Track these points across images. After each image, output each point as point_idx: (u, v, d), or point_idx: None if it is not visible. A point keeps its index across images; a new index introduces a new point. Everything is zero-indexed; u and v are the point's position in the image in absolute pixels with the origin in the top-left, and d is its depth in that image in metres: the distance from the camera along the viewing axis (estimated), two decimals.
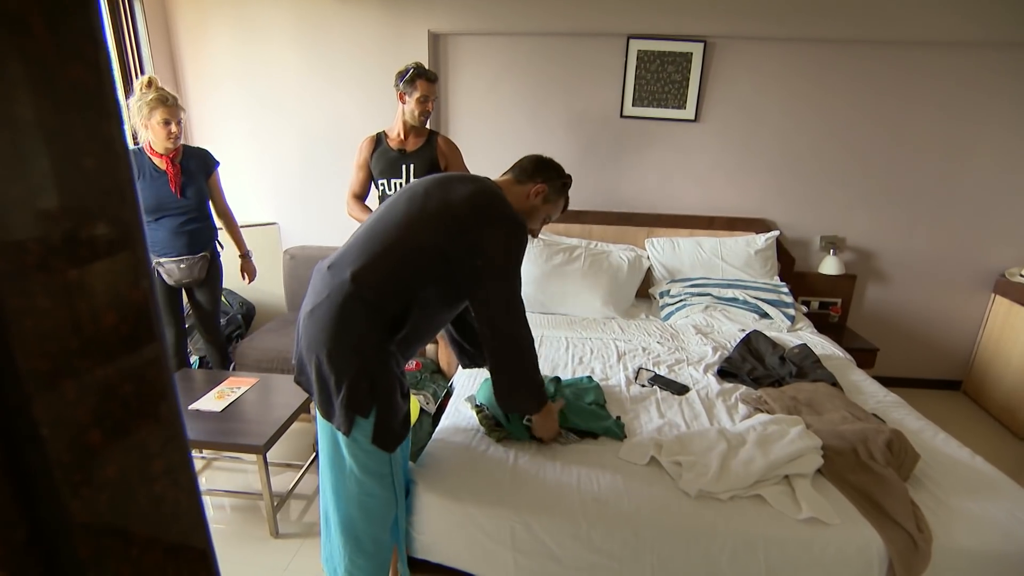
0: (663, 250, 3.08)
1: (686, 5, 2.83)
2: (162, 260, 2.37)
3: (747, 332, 2.44)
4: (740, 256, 2.98)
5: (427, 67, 2.41)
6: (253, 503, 2.21)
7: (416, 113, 2.38)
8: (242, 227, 3.26)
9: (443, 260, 1.32)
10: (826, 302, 3.23)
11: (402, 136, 2.46)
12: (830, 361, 2.29)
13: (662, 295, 2.93)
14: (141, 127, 2.22)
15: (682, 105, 3.01)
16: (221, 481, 2.37)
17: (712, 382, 2.07)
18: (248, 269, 2.71)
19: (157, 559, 0.42)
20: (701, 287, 2.87)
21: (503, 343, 1.40)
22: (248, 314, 3.30)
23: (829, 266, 3.10)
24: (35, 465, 0.32)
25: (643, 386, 2.04)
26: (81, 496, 0.35)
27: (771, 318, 2.69)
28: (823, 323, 3.14)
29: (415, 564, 1.52)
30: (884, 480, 1.46)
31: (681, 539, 1.36)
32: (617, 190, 3.22)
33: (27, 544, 0.34)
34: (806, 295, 3.21)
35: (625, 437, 1.68)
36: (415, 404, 2.36)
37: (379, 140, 2.50)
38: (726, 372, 2.15)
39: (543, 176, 1.54)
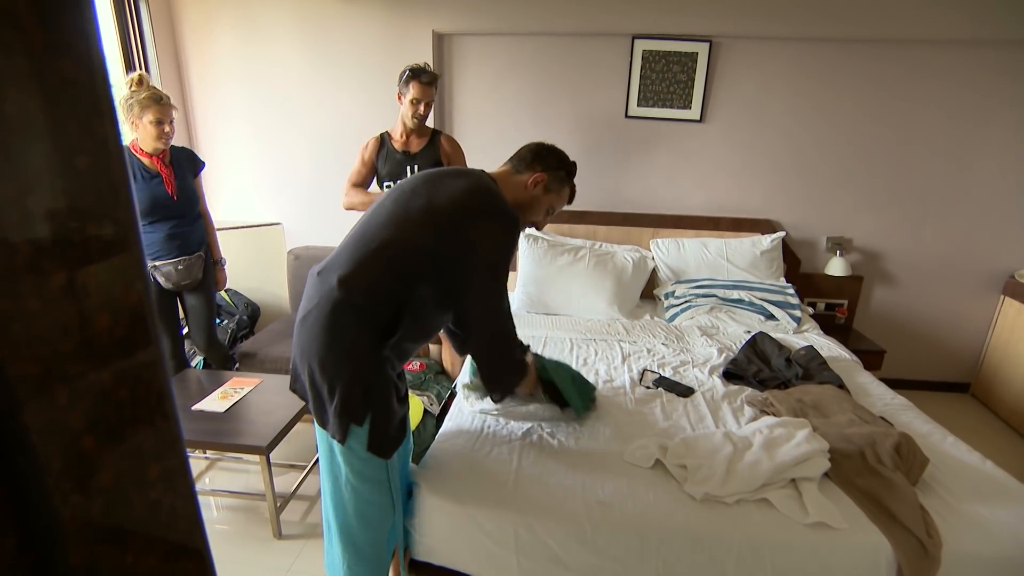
0: (668, 251, 3.06)
1: (691, 5, 2.82)
2: (158, 264, 2.31)
3: (753, 334, 2.42)
4: (745, 257, 2.96)
5: (430, 67, 2.38)
6: (256, 504, 2.20)
7: (409, 115, 2.37)
8: (246, 227, 3.28)
9: (432, 260, 1.28)
10: (832, 303, 3.20)
11: (405, 137, 2.45)
12: (836, 363, 2.27)
13: (667, 296, 2.91)
14: (129, 126, 2.16)
15: (687, 105, 2.99)
16: (224, 482, 2.37)
17: (718, 384, 2.06)
18: (218, 277, 2.62)
19: (153, 566, 0.41)
20: (706, 288, 2.85)
21: (488, 339, 1.38)
22: (253, 315, 3.30)
23: (835, 267, 3.07)
24: (26, 472, 0.32)
25: (648, 388, 2.03)
26: (73, 503, 0.34)
27: (777, 319, 2.67)
28: (829, 324, 3.11)
29: (417, 567, 1.51)
30: (892, 484, 1.44)
31: (686, 543, 1.35)
32: (622, 191, 3.21)
33: (17, 552, 0.33)
34: (812, 296, 3.19)
35: (590, 408, 1.70)
36: (418, 405, 2.35)
37: (383, 141, 2.50)
38: (732, 374, 2.13)
39: (542, 165, 1.47)
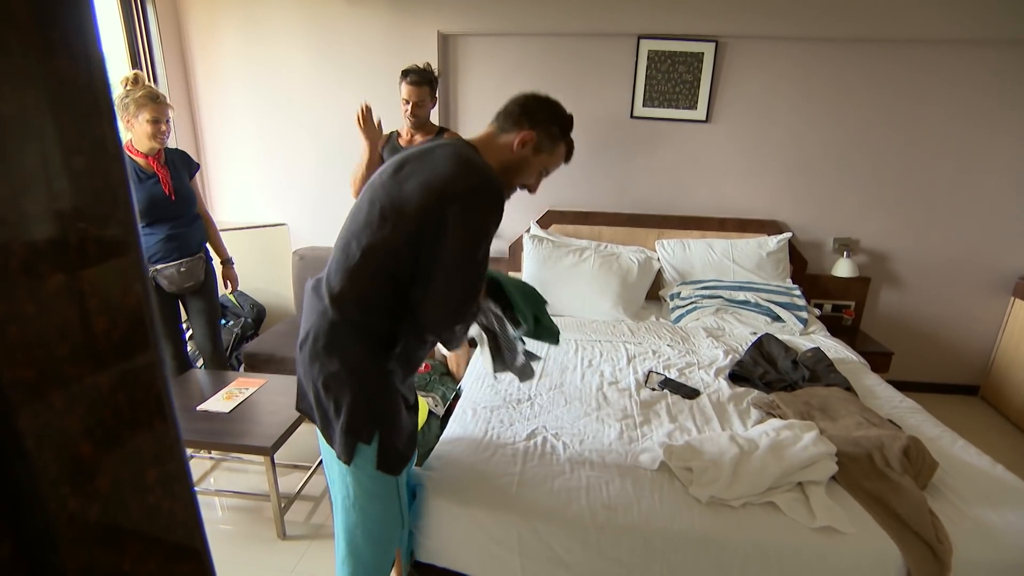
0: (673, 252, 3.05)
1: (697, 5, 2.80)
2: (159, 267, 2.28)
3: (759, 335, 2.40)
4: (752, 258, 2.94)
5: (430, 67, 2.35)
6: (260, 504, 2.20)
7: (402, 114, 2.36)
8: (251, 228, 3.29)
9: (416, 258, 1.16)
10: (839, 305, 3.18)
11: (410, 135, 2.45)
12: (843, 365, 2.25)
13: (672, 297, 2.90)
14: (124, 126, 2.12)
15: (693, 105, 2.98)
16: (228, 482, 2.37)
17: (723, 386, 2.04)
18: (230, 276, 2.61)
19: (151, 571, 0.40)
20: (712, 289, 2.83)
21: (446, 311, 1.19)
22: (259, 316, 3.31)
23: (842, 268, 3.05)
24: (21, 477, 0.31)
25: (653, 390, 2.01)
26: (69, 508, 0.33)
27: (783, 321, 2.65)
28: (836, 326, 3.09)
29: (421, 568, 1.51)
30: (901, 488, 1.43)
31: (692, 547, 1.33)
32: (627, 191, 3.19)
33: (13, 558, 0.32)
34: (819, 298, 3.16)
35: (544, 324, 1.51)
36: (424, 406, 2.35)
37: (390, 138, 2.51)
38: (738, 376, 2.11)
39: (530, 121, 1.28)
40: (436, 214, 1.13)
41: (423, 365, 2.77)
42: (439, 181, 1.15)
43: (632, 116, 3.03)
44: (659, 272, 3.03)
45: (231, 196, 3.42)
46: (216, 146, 3.34)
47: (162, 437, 0.39)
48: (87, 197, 0.33)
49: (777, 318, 2.67)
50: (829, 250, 3.17)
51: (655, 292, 3.08)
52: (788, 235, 3.00)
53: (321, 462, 2.28)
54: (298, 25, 3.05)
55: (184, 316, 2.57)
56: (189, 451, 2.40)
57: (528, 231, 3.10)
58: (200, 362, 2.88)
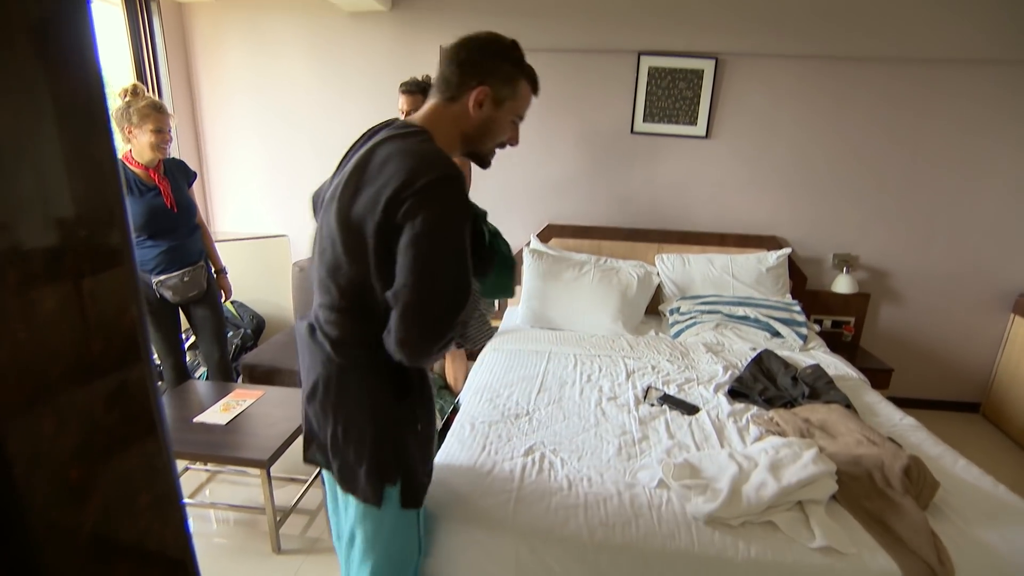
0: (673, 267, 3.05)
1: (697, 22, 2.84)
2: (162, 278, 2.28)
3: (759, 351, 2.39)
4: (751, 273, 2.95)
5: (428, 79, 2.36)
6: (255, 518, 2.18)
7: None
8: (252, 239, 3.29)
9: (390, 282, 1.00)
10: (839, 321, 3.17)
11: None
12: (843, 381, 2.24)
13: (672, 312, 2.90)
14: (123, 137, 2.11)
15: (693, 121, 3.00)
16: (224, 494, 2.35)
17: (723, 402, 2.03)
18: (224, 286, 2.60)
19: None
20: (712, 305, 2.83)
21: (430, 341, 1.02)
22: (258, 327, 3.31)
23: (842, 284, 3.05)
24: (7, 504, 0.31)
25: (652, 405, 2.00)
26: (57, 534, 0.33)
27: (783, 337, 2.65)
28: (836, 342, 3.08)
29: None
30: (902, 508, 1.41)
31: (690, 566, 1.32)
32: (627, 206, 3.20)
33: None
34: (818, 314, 3.16)
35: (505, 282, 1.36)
36: None
37: None
38: (737, 392, 2.10)
39: (476, 74, 1.11)
40: (394, 222, 0.97)
41: None
42: (388, 188, 0.97)
43: (632, 131, 3.05)
44: (659, 287, 3.03)
45: (233, 206, 3.44)
46: (219, 157, 3.36)
47: (153, 460, 0.38)
48: (83, 216, 0.33)
49: (777, 334, 2.66)
50: (829, 266, 3.17)
51: (655, 307, 3.08)
52: (788, 250, 3.01)
53: (318, 474, 2.26)
54: (302, 38, 3.08)
55: (185, 326, 2.57)
56: (185, 463, 2.39)
57: (528, 245, 3.11)
58: (199, 372, 2.88)
